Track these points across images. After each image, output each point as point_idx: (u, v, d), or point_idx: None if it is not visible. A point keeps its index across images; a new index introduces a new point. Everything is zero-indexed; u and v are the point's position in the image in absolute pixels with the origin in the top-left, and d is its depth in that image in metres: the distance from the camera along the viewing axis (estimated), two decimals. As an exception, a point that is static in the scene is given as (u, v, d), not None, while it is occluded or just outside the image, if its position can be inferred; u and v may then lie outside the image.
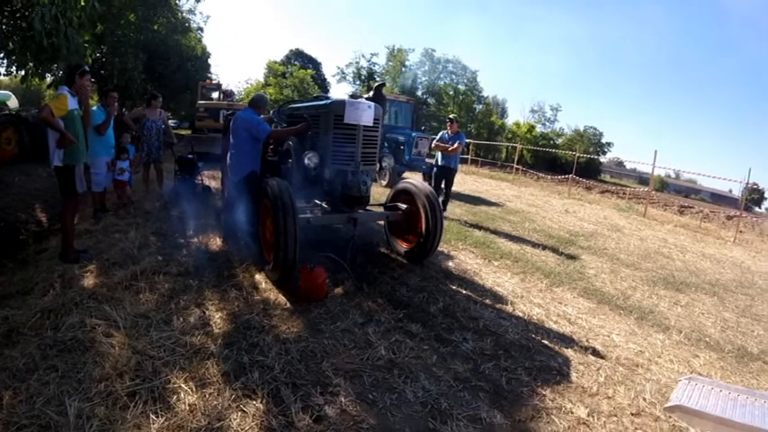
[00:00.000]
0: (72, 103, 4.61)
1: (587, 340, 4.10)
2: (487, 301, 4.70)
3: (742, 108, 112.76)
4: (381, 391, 2.92)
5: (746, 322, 5.36)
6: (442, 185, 8.69)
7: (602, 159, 44.40)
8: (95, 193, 6.49)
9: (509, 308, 4.61)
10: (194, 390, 2.74)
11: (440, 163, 8.74)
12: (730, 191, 50.19)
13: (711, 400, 2.93)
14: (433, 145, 9.21)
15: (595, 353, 3.87)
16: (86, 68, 4.86)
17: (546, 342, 3.94)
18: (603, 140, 43.87)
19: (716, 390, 3.07)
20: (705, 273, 7.59)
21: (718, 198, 46.81)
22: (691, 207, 19.87)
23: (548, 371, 3.46)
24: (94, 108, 6.40)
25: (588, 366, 3.61)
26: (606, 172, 52.72)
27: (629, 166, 56.83)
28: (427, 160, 12.88)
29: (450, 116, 9.23)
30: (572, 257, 7.08)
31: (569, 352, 3.81)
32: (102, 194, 6.64)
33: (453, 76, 45.67)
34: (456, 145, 8.49)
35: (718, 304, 5.90)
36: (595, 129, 44.09)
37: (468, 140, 29.18)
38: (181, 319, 3.61)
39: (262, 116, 5.40)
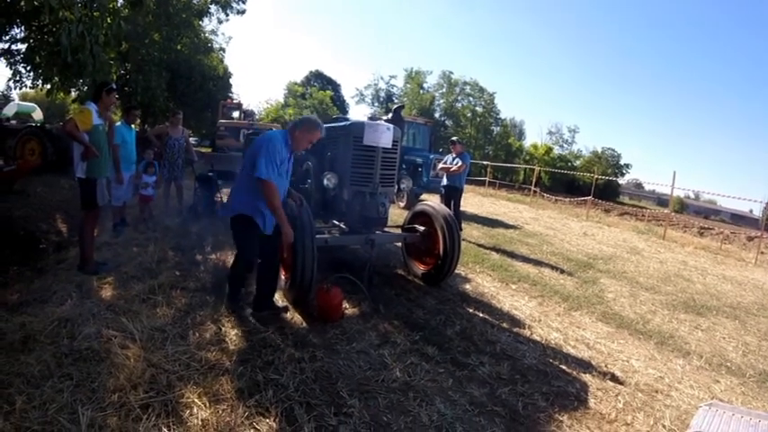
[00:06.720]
0: (97, 119, 4.73)
1: (606, 365, 4.01)
2: (505, 325, 4.63)
3: (762, 127, 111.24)
4: (396, 414, 2.88)
5: (768, 346, 5.21)
6: (451, 205, 8.74)
7: (621, 181, 44.06)
8: (115, 207, 6.60)
9: (526, 332, 4.54)
10: (208, 405, 2.72)
11: (445, 183, 8.92)
12: (751, 211, 49.19)
13: (733, 426, 2.82)
14: (438, 168, 9.32)
15: (614, 378, 3.78)
16: (113, 87, 5.02)
17: (564, 367, 3.86)
18: (622, 162, 43.61)
19: (737, 416, 2.96)
20: (726, 296, 7.41)
21: (739, 219, 45.92)
22: (711, 228, 19.41)
23: (565, 396, 3.38)
24: (118, 124, 6.56)
25: (607, 392, 3.52)
26: (625, 194, 52.18)
27: (647, 187, 56.42)
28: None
29: (453, 138, 9.38)
30: (590, 281, 6.97)
31: (587, 377, 3.72)
32: (122, 208, 6.75)
33: (471, 99, 46.00)
34: (459, 164, 8.59)
35: (740, 328, 5.74)
36: (613, 150, 43.97)
37: (485, 162, 29.20)
38: (197, 334, 3.62)
39: (293, 145, 3.95)
